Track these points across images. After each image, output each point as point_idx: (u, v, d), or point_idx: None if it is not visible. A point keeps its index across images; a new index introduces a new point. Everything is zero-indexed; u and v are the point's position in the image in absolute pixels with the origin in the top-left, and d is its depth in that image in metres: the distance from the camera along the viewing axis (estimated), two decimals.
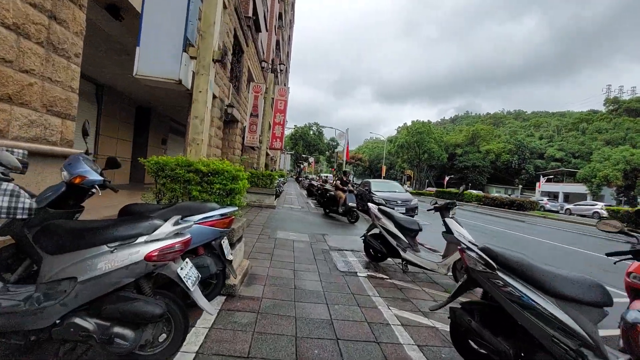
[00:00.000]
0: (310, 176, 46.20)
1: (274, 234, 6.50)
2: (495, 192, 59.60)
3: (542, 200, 35.52)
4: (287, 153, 57.82)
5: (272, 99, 11.41)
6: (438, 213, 4.81)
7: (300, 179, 41.17)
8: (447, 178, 60.99)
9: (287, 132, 77.45)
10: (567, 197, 54.41)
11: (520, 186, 57.90)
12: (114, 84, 11.79)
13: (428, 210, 5.28)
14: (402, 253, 4.64)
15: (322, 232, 7.51)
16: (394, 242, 4.75)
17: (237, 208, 3.26)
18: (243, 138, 12.55)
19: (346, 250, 5.85)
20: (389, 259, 5.14)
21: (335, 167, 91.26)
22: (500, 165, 72.13)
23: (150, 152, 14.53)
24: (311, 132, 78.94)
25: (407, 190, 13.96)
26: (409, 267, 4.84)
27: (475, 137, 76.43)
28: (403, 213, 12.29)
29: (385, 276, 4.48)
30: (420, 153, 71.35)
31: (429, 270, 4.48)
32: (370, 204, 5.26)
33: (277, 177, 11.43)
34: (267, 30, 21.91)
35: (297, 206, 12.82)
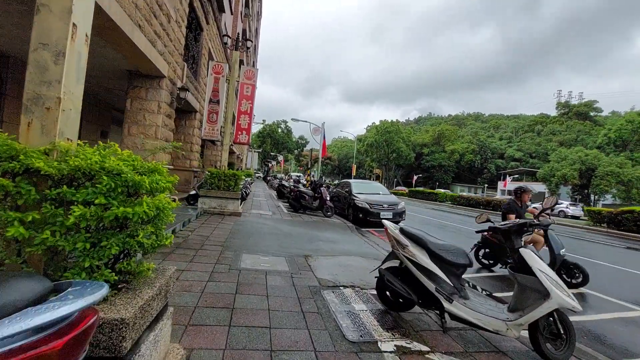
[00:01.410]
0: (279, 175, 43.99)
1: (237, 261, 4.52)
2: (460, 191, 61.02)
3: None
4: (255, 151, 55.01)
5: (237, 82, 9.31)
6: (462, 231, 3.13)
7: (268, 178, 38.86)
8: (415, 177, 61.46)
9: (256, 128, 74.24)
10: None
11: (485, 185, 59.58)
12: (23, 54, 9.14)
13: (477, 232, 3.59)
14: (446, 304, 2.88)
15: (303, 251, 5.65)
16: (431, 286, 2.97)
17: (104, 288, 1.17)
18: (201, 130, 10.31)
19: (346, 286, 4.02)
20: (416, 306, 3.36)
21: (303, 167, 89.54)
22: (464, 164, 74.22)
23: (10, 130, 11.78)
24: (279, 130, 76.42)
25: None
26: (451, 319, 3.08)
27: (441, 137, 78.10)
28: (390, 219, 10.76)
29: (423, 346, 2.71)
30: (389, 152, 71.51)
31: (490, 331, 2.76)
32: (386, 222, 3.46)
33: (243, 177, 9.36)
34: (232, 14, 19.51)
35: (268, 212, 10.83)
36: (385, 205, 10.78)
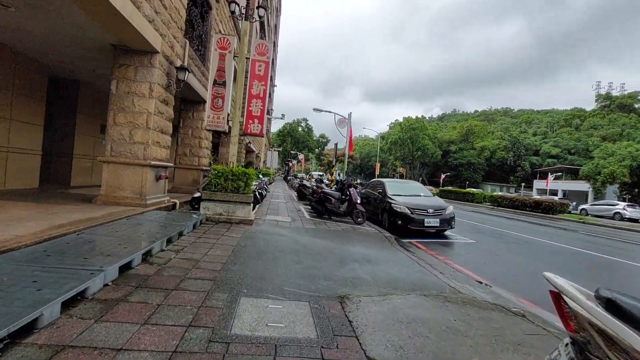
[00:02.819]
0: (300, 175, 42.36)
1: (229, 317, 2.67)
2: (491, 190, 57.07)
3: (565, 199, 31.93)
4: (275, 150, 53.72)
5: (247, 59, 7.54)
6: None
7: (288, 177, 37.29)
8: (442, 176, 58.11)
9: (275, 124, 72.97)
10: (566, 195, 52.17)
11: (523, 184, 55.42)
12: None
13: None
14: None
15: (334, 284, 3.76)
16: None
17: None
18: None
19: None
20: None
21: (324, 166, 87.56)
22: (495, 162, 69.84)
23: (81, 143, 10.44)
24: (300, 129, 74.99)
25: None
26: None
27: (469, 133, 73.98)
28: (436, 227, 8.67)
29: None
30: (414, 150, 68.36)
31: None
32: (553, 278, 1.50)
33: (254, 176, 7.58)
34: None
35: (286, 218, 9.01)
36: (431, 211, 8.69)
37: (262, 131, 7.74)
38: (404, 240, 7.95)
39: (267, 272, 3.97)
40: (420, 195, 9.92)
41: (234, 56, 7.53)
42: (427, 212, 8.64)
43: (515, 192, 61.40)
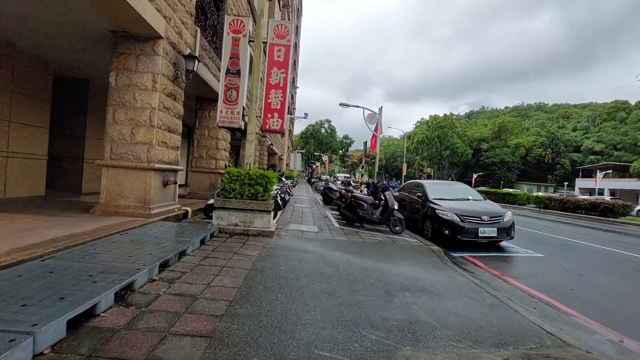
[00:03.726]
0: (324, 177, 41.25)
1: None
2: (527, 190, 53.32)
3: (618, 199, 28.67)
4: (298, 152, 52.95)
5: (264, 44, 6.45)
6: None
7: (312, 180, 36.28)
8: (474, 175, 54.96)
9: (298, 126, 72.23)
10: (614, 194, 47.73)
11: (566, 183, 51.37)
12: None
13: None
14: None
15: (386, 334, 2.54)
16: None
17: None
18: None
19: None
20: None
21: (348, 168, 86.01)
22: (531, 160, 65.56)
23: (92, 146, 9.79)
24: (323, 130, 74.03)
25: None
26: None
27: (502, 130, 70.00)
28: (494, 238, 7.20)
29: None
30: (442, 149, 65.51)
31: None
32: None
33: (275, 180, 6.46)
34: None
35: (312, 226, 7.85)
36: (485, 218, 7.21)
37: (283, 127, 6.61)
38: (454, 255, 6.56)
39: (290, 317, 2.78)
40: (468, 199, 8.44)
41: (249, 41, 6.47)
42: (482, 220, 7.17)
43: (554, 191, 57.13)
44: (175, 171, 6.91)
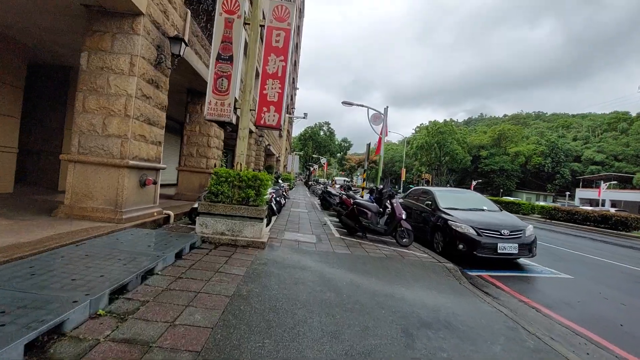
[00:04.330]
0: (321, 180, 40.44)
1: None
2: (526, 199, 52.72)
3: (624, 211, 27.92)
4: (296, 154, 52.12)
5: (261, 27, 5.65)
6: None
7: (310, 182, 35.49)
8: (473, 183, 54.24)
9: (297, 127, 71.40)
10: (615, 206, 47.24)
11: (567, 193, 50.83)
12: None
13: None
14: None
15: None
16: None
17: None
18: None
19: None
20: None
21: (345, 171, 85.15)
22: (530, 168, 65.09)
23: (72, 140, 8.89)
24: (322, 133, 73.31)
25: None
26: None
27: (502, 138, 69.56)
28: (514, 254, 6.40)
29: None
30: (441, 155, 64.89)
31: None
32: None
33: (269, 183, 5.64)
34: None
35: (310, 237, 7.02)
36: (505, 232, 6.42)
37: (280, 122, 5.79)
38: (471, 274, 5.76)
39: None
40: (483, 210, 7.65)
41: (244, 23, 5.67)
42: (501, 234, 6.37)
43: (554, 201, 56.54)
44: (157, 170, 6.07)
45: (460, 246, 6.41)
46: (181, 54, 5.72)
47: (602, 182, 38.63)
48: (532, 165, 64.60)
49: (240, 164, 5.68)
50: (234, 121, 5.72)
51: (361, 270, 4.86)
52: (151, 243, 4.22)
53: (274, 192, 8.16)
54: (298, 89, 56.68)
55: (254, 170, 6.59)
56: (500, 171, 64.49)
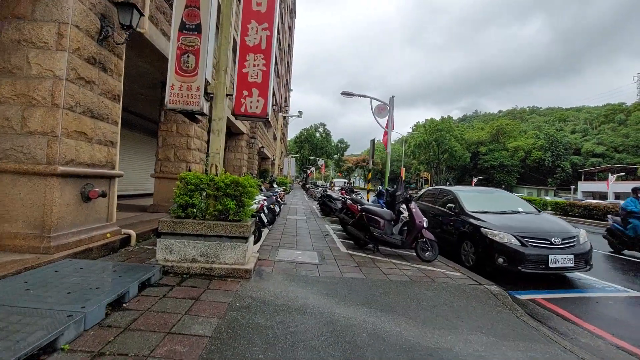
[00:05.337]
0: (319, 182, 39.09)
1: None
2: (527, 194, 51.62)
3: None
4: (292, 156, 50.75)
5: None
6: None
7: (307, 186, 34.14)
8: (474, 180, 53.10)
9: (292, 129, 69.74)
10: (619, 198, 46.19)
11: (573, 187, 49.80)
12: None
13: None
14: None
15: None
16: None
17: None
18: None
19: None
20: None
21: (342, 173, 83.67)
22: (530, 163, 64.14)
23: None
24: (317, 134, 72.06)
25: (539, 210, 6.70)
26: None
27: (500, 133, 68.63)
28: (570, 268, 5.03)
29: None
30: (440, 152, 63.79)
31: None
32: None
33: (255, 190, 4.26)
34: None
35: (310, 254, 5.66)
36: (556, 240, 5.09)
37: (267, 110, 4.43)
38: (521, 297, 4.43)
39: None
40: (519, 212, 6.32)
41: None
42: (551, 244, 5.05)
43: (555, 195, 55.45)
44: (109, 177, 4.69)
45: (500, 260, 5.08)
46: (134, 25, 4.36)
47: (609, 174, 37.44)
48: (532, 160, 63.65)
49: (216, 166, 4.32)
50: (205, 110, 4.36)
51: (383, 305, 3.50)
52: (75, 286, 2.84)
53: (264, 200, 6.79)
54: (292, 90, 55.41)
55: (249, 176, 5.26)
56: (500, 167, 63.48)
